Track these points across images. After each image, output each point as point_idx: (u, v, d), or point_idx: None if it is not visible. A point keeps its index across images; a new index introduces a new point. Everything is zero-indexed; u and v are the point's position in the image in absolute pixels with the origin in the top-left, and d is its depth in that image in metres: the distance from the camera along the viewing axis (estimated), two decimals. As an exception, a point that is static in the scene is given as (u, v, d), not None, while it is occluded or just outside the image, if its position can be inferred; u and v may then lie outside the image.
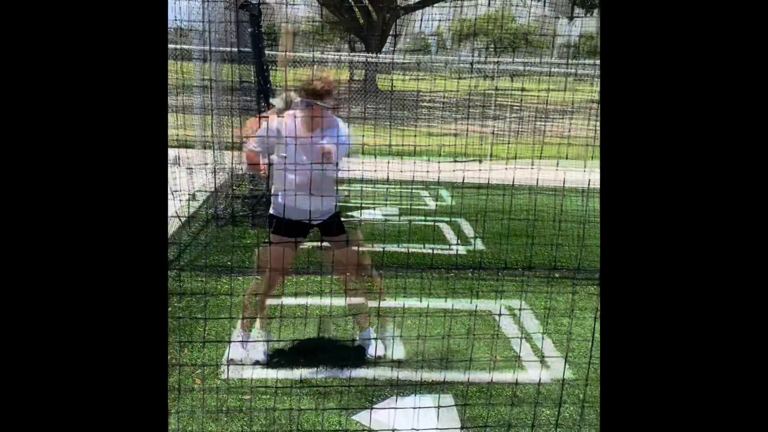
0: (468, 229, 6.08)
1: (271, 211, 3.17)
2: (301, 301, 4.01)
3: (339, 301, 3.98)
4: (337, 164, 2.97)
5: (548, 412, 2.94)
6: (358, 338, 3.42)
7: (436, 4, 19.73)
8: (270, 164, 2.93)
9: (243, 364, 3.17)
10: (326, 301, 3.98)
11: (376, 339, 3.35)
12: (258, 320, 3.29)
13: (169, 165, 6.14)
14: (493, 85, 12.18)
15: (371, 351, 3.33)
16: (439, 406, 2.90)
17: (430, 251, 5.22)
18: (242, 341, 3.24)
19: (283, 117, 3.05)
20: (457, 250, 5.33)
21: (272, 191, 3.15)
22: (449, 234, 5.87)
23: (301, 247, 3.25)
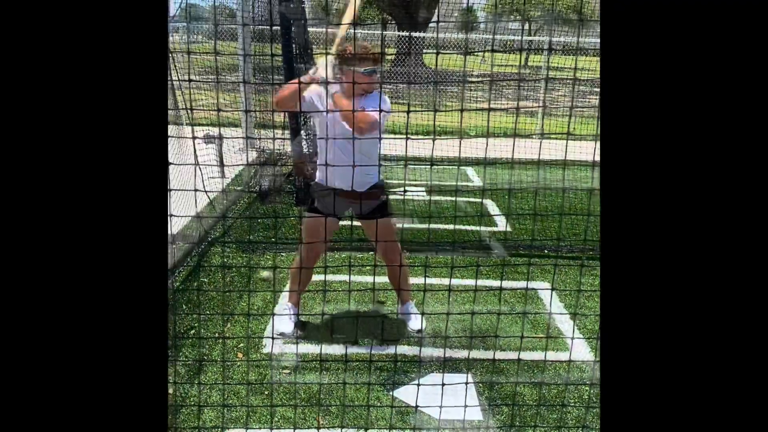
0: (496, 208, 5.97)
1: (316, 179, 3.19)
2: (342, 277, 4.02)
3: (380, 278, 3.98)
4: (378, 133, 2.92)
5: (580, 390, 2.87)
6: (398, 312, 3.42)
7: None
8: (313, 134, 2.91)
9: (285, 338, 3.21)
10: (368, 278, 3.99)
11: (418, 314, 3.35)
12: (291, 293, 3.33)
13: (210, 142, 6.23)
14: (544, 60, 11.85)
15: (412, 325, 3.32)
16: (484, 382, 2.86)
17: (474, 229, 5.16)
18: (289, 314, 3.29)
19: (320, 84, 3.01)
20: (490, 230, 5.24)
21: (317, 161, 3.18)
22: (493, 211, 5.78)
23: (341, 222, 3.25)
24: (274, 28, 5.58)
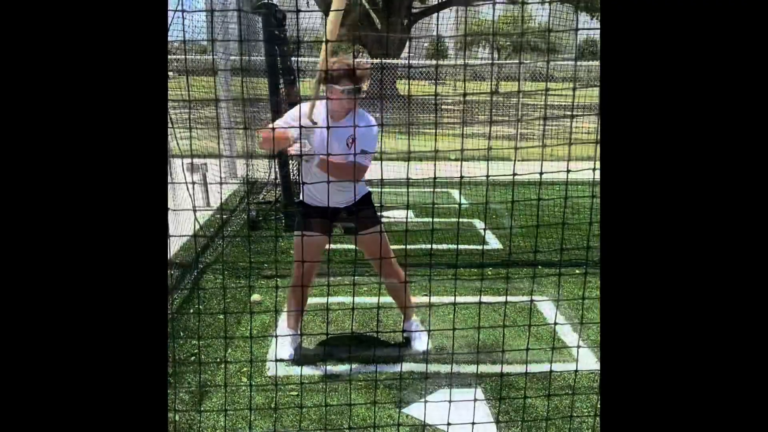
0: (483, 225, 6.01)
1: (302, 197, 3.16)
2: (340, 299, 3.98)
3: (383, 299, 3.95)
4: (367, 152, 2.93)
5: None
6: (403, 329, 3.40)
7: (451, 7, 19.77)
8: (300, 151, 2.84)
9: (288, 361, 3.15)
10: (366, 299, 3.96)
11: (423, 331, 3.32)
12: (289, 317, 3.27)
13: (195, 173, 6.17)
14: (515, 87, 12.09)
15: (417, 346, 3.28)
16: (500, 398, 2.84)
17: (465, 248, 5.17)
18: (290, 337, 3.23)
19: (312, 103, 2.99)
20: (483, 248, 5.26)
21: (302, 178, 3.15)
22: (481, 231, 5.81)
23: (331, 246, 3.23)
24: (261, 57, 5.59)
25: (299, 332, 3.30)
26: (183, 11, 1.85)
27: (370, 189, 3.23)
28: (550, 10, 8.68)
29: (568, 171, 1.78)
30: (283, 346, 3.20)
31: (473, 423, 2.15)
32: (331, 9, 2.85)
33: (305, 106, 2.91)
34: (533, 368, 3.09)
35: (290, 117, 3.00)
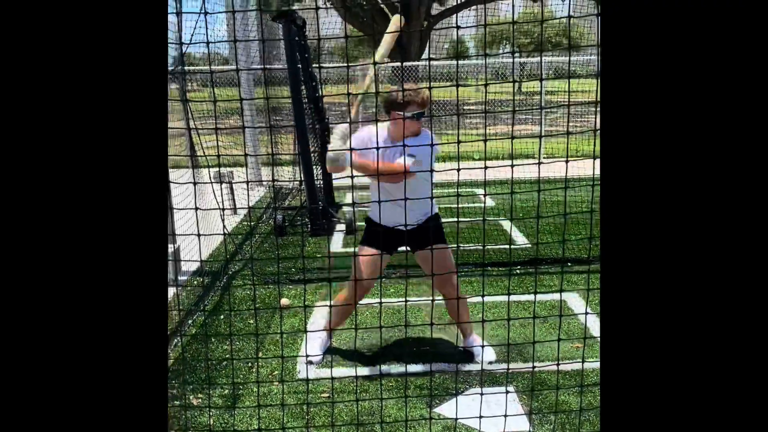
0: (515, 226, 5.97)
1: (369, 215, 3.15)
2: (367, 300, 3.99)
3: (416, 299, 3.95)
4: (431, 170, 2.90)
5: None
6: (464, 346, 3.29)
7: (471, 8, 19.73)
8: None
9: (317, 363, 3.17)
10: (398, 300, 3.97)
11: (487, 346, 3.22)
12: (326, 322, 3.27)
13: (221, 182, 6.25)
14: (538, 85, 12.00)
15: (486, 357, 3.17)
16: (532, 391, 2.82)
17: (496, 248, 5.15)
18: (323, 335, 3.26)
19: (370, 126, 2.97)
20: (510, 247, 5.23)
21: (370, 197, 3.11)
22: (512, 231, 5.78)
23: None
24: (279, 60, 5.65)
25: (330, 334, 3.32)
26: (206, 13, 1.88)
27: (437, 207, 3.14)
28: (570, 3, 8.61)
29: (594, 158, 1.76)
30: (313, 348, 3.23)
31: (506, 416, 2.14)
32: (387, 31, 2.87)
33: (367, 130, 2.98)
34: (564, 364, 3.06)
35: (357, 140, 2.98)
